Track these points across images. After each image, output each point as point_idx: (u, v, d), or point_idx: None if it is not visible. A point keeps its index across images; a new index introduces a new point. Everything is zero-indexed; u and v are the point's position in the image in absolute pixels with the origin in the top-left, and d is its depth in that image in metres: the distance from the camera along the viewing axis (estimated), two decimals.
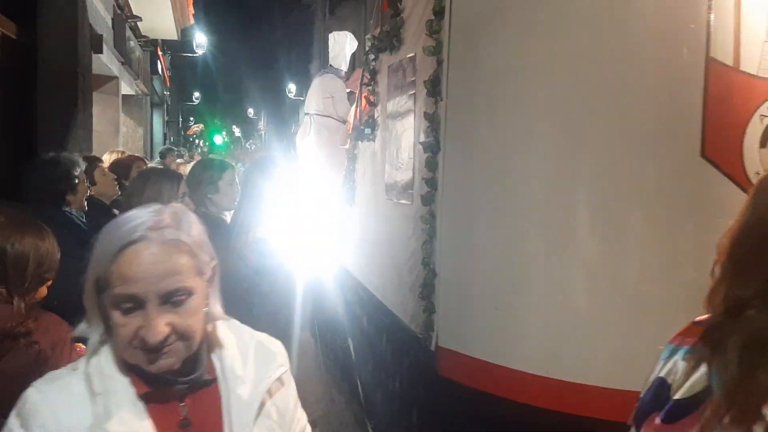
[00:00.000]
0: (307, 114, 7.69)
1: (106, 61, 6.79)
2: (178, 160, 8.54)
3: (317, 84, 7.66)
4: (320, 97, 7.50)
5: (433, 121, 3.59)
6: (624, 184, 2.90)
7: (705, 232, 2.60)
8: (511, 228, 3.18)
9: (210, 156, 12.71)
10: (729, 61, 2.80)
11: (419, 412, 3.82)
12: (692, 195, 2.84)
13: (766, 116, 2.83)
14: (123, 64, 8.31)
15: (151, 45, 11.76)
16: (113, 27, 7.57)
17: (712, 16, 2.79)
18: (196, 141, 41.39)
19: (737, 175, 2.82)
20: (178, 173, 4.13)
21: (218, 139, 42.13)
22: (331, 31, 8.63)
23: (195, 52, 21.98)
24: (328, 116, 7.38)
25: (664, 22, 2.86)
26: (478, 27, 3.36)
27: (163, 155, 9.47)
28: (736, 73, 2.81)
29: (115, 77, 8.43)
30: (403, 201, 4.12)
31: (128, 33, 9.00)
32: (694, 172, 2.82)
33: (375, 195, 4.77)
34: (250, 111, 50.62)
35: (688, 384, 1.19)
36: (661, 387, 1.26)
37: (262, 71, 42.70)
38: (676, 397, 1.20)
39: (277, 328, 2.11)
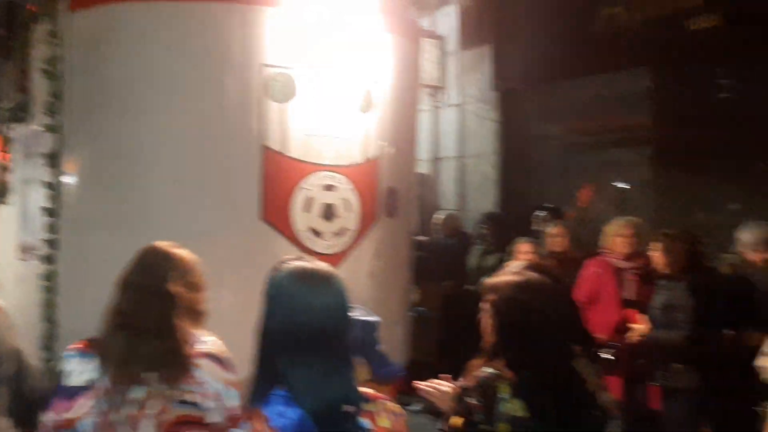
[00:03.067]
0: None
1: None
2: None
3: None
4: None
5: (52, 189, 4.03)
6: (204, 246, 3.66)
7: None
8: None
9: None
10: (279, 148, 3.79)
11: None
12: (256, 251, 3.70)
13: (307, 189, 3.87)
14: None
15: None
16: None
17: (265, 115, 3.76)
18: None
19: (288, 233, 3.81)
20: None
21: None
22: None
23: None
24: None
25: (232, 117, 3.76)
26: (90, 109, 3.93)
27: None
28: (284, 157, 3.80)
29: None
30: (32, 261, 4.43)
31: None
32: (256, 232, 3.71)
33: (9, 256, 4.95)
34: None
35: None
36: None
37: None
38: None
39: None
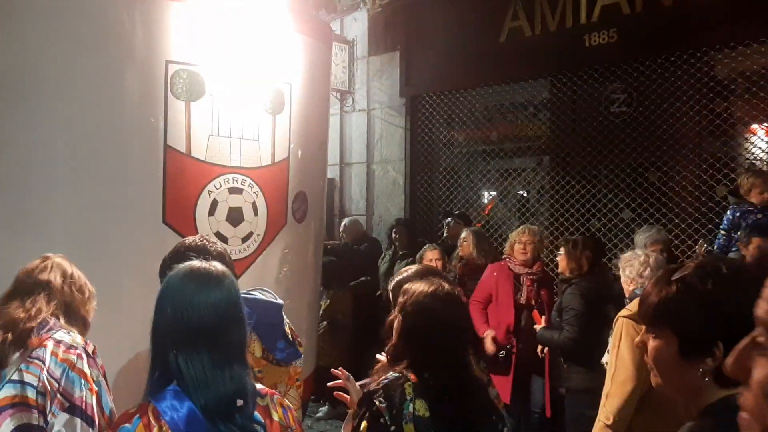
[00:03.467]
0: None
1: None
2: None
3: None
4: None
5: None
6: (104, 247, 3.45)
7: None
8: None
9: None
10: (183, 149, 3.62)
11: None
12: (157, 254, 3.52)
13: (212, 192, 3.72)
14: None
15: None
16: None
17: (168, 114, 3.57)
18: None
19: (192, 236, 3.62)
20: None
21: None
22: None
23: None
24: None
25: (134, 114, 3.55)
26: None
27: None
28: (188, 158, 3.63)
29: None
30: None
31: None
32: (158, 235, 3.52)
33: None
34: None
35: None
36: None
37: None
38: None
39: None
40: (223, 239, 3.78)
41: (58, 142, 3.47)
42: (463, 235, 5.70)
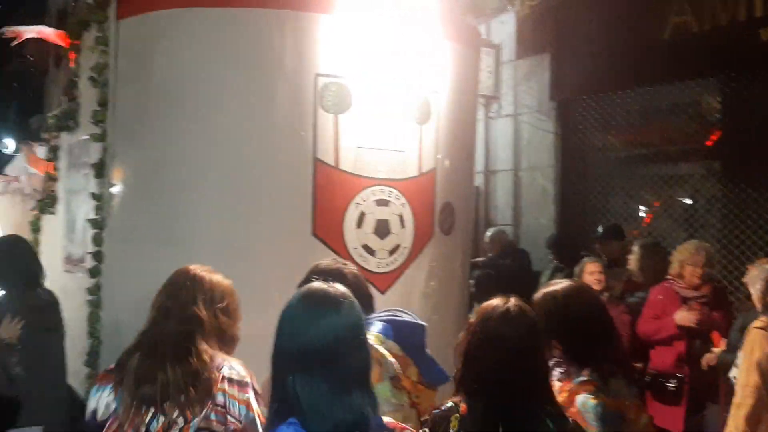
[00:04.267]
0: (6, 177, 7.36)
1: None
2: None
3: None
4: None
5: (99, 200, 3.92)
6: (253, 261, 3.50)
7: None
8: None
9: None
10: (331, 161, 3.60)
11: None
12: (306, 266, 3.52)
13: (360, 204, 3.67)
14: None
15: None
16: None
17: (318, 127, 3.57)
18: None
19: (340, 250, 3.60)
20: None
21: None
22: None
23: None
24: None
25: (283, 128, 3.58)
26: (138, 119, 3.81)
27: None
28: (336, 171, 3.61)
29: None
30: (77, 273, 4.34)
31: None
32: (307, 247, 3.52)
33: (55, 267, 4.88)
34: None
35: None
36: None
37: None
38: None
39: None
40: (371, 252, 3.72)
41: (211, 157, 3.57)
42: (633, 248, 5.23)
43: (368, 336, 2.29)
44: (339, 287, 1.69)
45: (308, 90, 3.59)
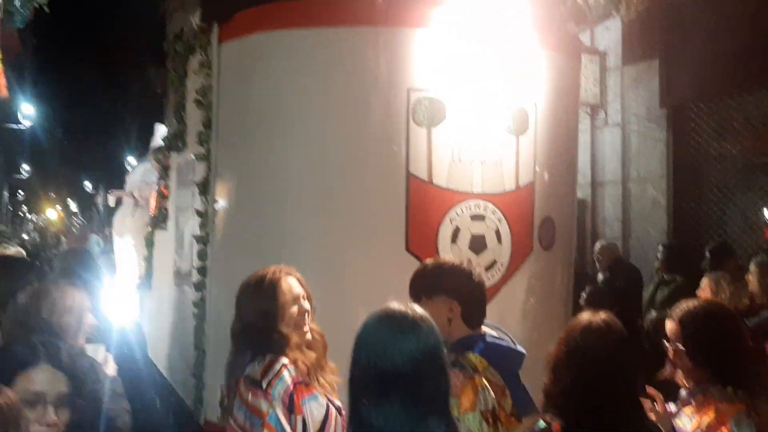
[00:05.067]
0: (129, 196, 7.82)
1: None
2: None
3: (140, 170, 7.88)
4: (142, 183, 7.67)
5: (203, 217, 4.08)
6: (348, 276, 3.52)
7: None
8: None
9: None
10: (424, 176, 3.56)
11: None
12: (400, 282, 3.49)
13: (454, 219, 3.61)
14: None
15: None
16: None
17: (411, 141, 3.55)
18: (28, 216, 38.93)
19: None
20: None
21: (52, 214, 39.87)
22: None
23: (20, 123, 21.20)
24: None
25: (376, 144, 3.59)
26: (240, 139, 3.95)
27: None
28: (430, 186, 3.57)
29: None
30: (185, 287, 4.53)
31: None
32: (401, 263, 3.49)
33: (166, 281, 5.12)
34: (88, 184, 48.51)
35: None
36: None
37: (102, 143, 41.35)
38: None
39: None
40: None
41: (307, 173, 3.63)
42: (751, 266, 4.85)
43: (471, 358, 2.24)
44: (417, 309, 1.65)
45: (401, 104, 3.59)
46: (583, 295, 5.48)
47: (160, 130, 8.12)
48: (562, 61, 4.16)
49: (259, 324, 2.46)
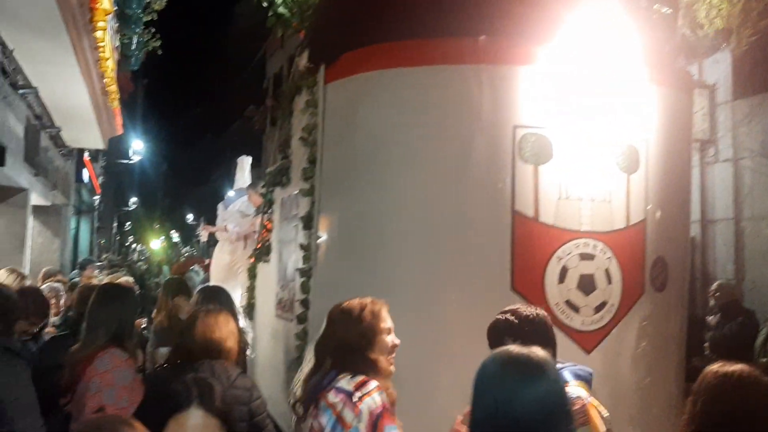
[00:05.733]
0: (221, 230, 8.10)
1: (11, 173, 6.69)
2: (95, 272, 8.66)
3: (237, 203, 8.15)
4: (238, 215, 7.94)
5: (307, 251, 4.15)
6: (452, 316, 3.47)
7: None
8: None
9: None
10: (530, 213, 3.49)
11: None
12: None
13: (562, 258, 3.51)
14: (36, 174, 8.14)
15: (75, 154, 11.75)
16: (26, 137, 7.51)
17: (516, 178, 3.50)
18: (133, 246, 40.99)
19: (541, 305, 3.43)
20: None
21: (155, 245, 41.84)
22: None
23: (131, 159, 22.51)
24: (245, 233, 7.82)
25: (481, 181, 3.56)
26: (341, 175, 4.01)
27: (82, 266, 9.71)
28: (536, 224, 3.49)
29: (24, 189, 8.22)
30: (287, 319, 4.60)
31: (46, 143, 8.97)
32: (506, 303, 3.41)
33: (268, 312, 5.23)
34: (190, 216, 50.70)
35: None
36: None
37: (204, 177, 43.28)
38: None
39: None
40: (574, 308, 3.53)
41: (410, 211, 3.64)
42: None
43: (577, 384, 2.19)
44: (538, 351, 1.60)
45: (506, 142, 3.55)
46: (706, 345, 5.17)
47: (245, 163, 8.42)
48: (673, 96, 4.02)
49: (354, 345, 2.53)
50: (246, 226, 7.42)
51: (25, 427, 2.71)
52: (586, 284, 3.54)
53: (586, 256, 3.55)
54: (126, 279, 7.73)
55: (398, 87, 3.79)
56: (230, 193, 8.27)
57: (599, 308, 3.56)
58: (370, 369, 2.49)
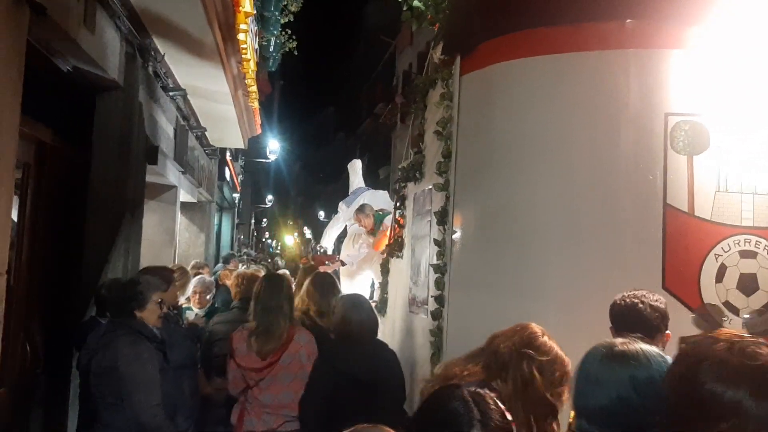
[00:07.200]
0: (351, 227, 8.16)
1: (163, 171, 7.11)
2: (230, 266, 9.03)
3: (366, 197, 8.18)
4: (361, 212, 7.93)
5: (441, 246, 4.10)
6: (600, 314, 3.29)
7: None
8: None
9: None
10: (684, 208, 3.25)
11: None
12: None
13: (720, 255, 3.23)
14: (183, 173, 8.63)
15: (218, 153, 12.40)
16: (175, 137, 7.87)
17: (668, 170, 3.26)
18: (269, 242, 42.88)
19: (695, 306, 3.21)
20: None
21: (290, 241, 43.55)
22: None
23: (268, 158, 23.49)
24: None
25: (629, 173, 3.35)
26: (478, 169, 3.92)
27: (226, 260, 10.22)
28: (691, 218, 3.24)
29: (173, 186, 8.62)
30: (420, 314, 4.59)
31: (193, 143, 9.52)
32: None
33: (401, 307, 5.24)
34: (321, 214, 52.30)
35: None
36: None
37: (335, 175, 44.56)
38: None
39: None
40: (734, 310, 3.26)
41: (552, 205, 3.50)
42: None
43: None
44: (641, 345, 1.69)
45: (657, 131, 3.33)
46: None
47: (356, 166, 8.51)
48: None
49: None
50: (364, 250, 7.38)
51: (139, 400, 3.23)
52: (748, 284, 3.24)
53: (747, 254, 3.26)
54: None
55: (538, 76, 3.65)
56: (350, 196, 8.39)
57: (763, 311, 3.26)
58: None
